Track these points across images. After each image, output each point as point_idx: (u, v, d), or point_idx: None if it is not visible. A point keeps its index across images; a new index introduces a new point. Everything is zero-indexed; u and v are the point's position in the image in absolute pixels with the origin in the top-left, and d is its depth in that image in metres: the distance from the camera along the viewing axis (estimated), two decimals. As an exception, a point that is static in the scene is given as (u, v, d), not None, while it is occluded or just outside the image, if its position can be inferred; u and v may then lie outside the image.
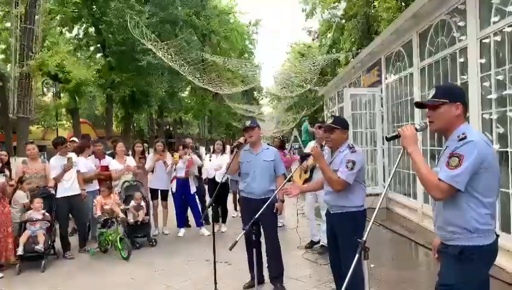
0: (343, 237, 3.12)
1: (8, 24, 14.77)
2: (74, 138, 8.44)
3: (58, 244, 5.81)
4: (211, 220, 6.97)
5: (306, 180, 5.69)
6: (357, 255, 1.93)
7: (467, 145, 2.00)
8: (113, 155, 7.01)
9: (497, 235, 2.12)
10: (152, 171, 6.99)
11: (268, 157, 4.22)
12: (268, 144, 5.51)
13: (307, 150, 5.91)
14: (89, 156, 6.69)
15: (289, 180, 6.17)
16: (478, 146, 2.00)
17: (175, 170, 6.81)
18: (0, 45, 17.71)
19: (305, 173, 5.65)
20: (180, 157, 6.76)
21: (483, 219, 2.03)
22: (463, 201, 2.04)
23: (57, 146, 6.01)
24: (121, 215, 5.89)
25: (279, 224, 6.82)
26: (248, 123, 4.23)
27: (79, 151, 6.55)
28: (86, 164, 6.43)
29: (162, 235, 6.81)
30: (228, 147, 8.87)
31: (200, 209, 7.12)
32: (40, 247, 5.17)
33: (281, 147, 8.53)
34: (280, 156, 4.51)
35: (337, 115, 3.83)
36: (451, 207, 2.08)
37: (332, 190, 3.24)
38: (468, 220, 2.04)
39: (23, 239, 5.22)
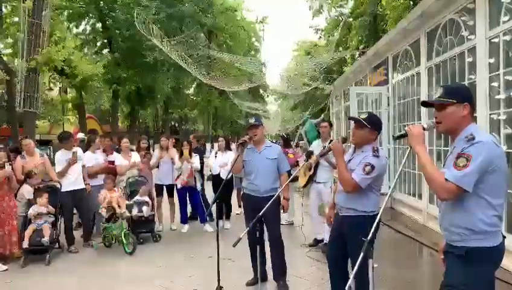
0: (351, 241, 3.01)
1: (16, 19, 14.85)
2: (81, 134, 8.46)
3: (62, 238, 5.84)
4: (214, 216, 7.00)
5: (310, 178, 5.67)
6: (361, 254, 1.92)
7: (476, 146, 1.98)
8: (118, 150, 7.04)
9: (504, 237, 2.09)
10: (157, 167, 6.99)
11: (271, 155, 4.20)
12: (272, 142, 5.48)
13: (314, 149, 5.85)
14: (97, 150, 6.72)
15: (295, 179, 6.18)
16: (486, 147, 1.97)
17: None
18: (7, 40, 17.80)
19: (309, 170, 5.62)
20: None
21: (490, 220, 2.01)
22: (470, 202, 2.02)
23: (62, 140, 6.04)
24: (124, 212, 5.88)
25: (285, 222, 6.83)
26: (252, 121, 4.21)
27: (86, 146, 6.58)
28: (90, 158, 6.46)
29: (165, 231, 6.82)
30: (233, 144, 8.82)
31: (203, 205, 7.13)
32: (45, 240, 5.20)
33: (286, 145, 8.46)
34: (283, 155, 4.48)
35: (372, 115, 3.46)
36: (458, 208, 2.06)
37: (344, 191, 3.09)
38: (475, 222, 2.01)
39: (28, 232, 5.25)
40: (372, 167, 2.92)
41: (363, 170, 2.92)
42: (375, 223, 2.07)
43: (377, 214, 3.05)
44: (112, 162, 6.77)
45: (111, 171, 6.66)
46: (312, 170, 5.57)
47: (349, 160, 3.13)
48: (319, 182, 5.55)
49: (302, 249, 5.61)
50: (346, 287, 2.00)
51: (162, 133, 22.63)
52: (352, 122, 3.25)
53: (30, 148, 5.90)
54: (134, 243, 5.64)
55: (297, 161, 7.51)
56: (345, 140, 3.26)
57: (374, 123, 3.06)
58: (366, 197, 3.04)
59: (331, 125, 5.81)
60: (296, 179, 6.16)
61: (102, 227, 5.99)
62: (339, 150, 3.09)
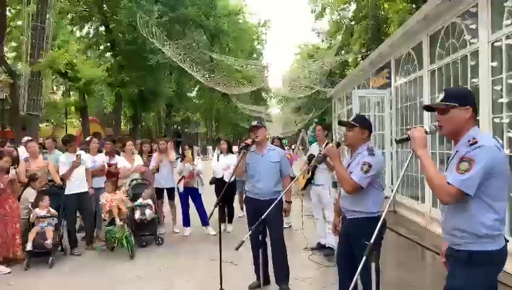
0: (356, 243, 2.99)
1: (20, 22, 14.95)
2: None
3: (65, 241, 5.85)
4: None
5: (308, 180, 5.70)
6: (364, 258, 1.92)
7: (478, 150, 1.98)
8: (119, 153, 7.04)
9: (507, 241, 2.09)
10: (157, 171, 6.98)
11: (274, 158, 4.21)
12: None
13: (313, 152, 5.87)
14: (99, 152, 6.73)
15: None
16: (489, 151, 1.97)
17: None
18: (11, 43, 17.91)
19: (308, 173, 5.65)
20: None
21: (493, 223, 2.00)
22: (472, 206, 2.02)
23: (66, 143, 6.07)
24: (125, 212, 5.89)
25: (286, 225, 6.82)
26: (255, 123, 4.24)
27: (85, 149, 6.60)
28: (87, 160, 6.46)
29: (168, 234, 6.82)
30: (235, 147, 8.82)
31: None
32: (49, 242, 5.22)
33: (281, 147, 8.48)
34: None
35: (359, 115, 3.68)
36: (460, 212, 2.06)
37: (346, 194, 3.11)
38: (477, 225, 2.01)
39: (32, 235, 5.26)
40: (370, 166, 2.98)
41: (361, 170, 2.98)
42: (378, 226, 2.06)
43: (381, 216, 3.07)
44: (116, 165, 6.77)
45: (113, 174, 6.63)
46: (310, 173, 5.59)
47: (348, 165, 3.19)
48: (318, 185, 5.57)
49: (304, 253, 5.60)
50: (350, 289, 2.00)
51: (165, 136, 22.74)
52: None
53: (34, 150, 5.91)
54: (135, 246, 5.63)
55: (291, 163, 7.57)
56: (338, 144, 3.33)
57: (362, 122, 3.17)
58: (369, 197, 3.07)
59: (325, 128, 5.83)
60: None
61: (104, 230, 6.00)
62: (334, 153, 3.14)
